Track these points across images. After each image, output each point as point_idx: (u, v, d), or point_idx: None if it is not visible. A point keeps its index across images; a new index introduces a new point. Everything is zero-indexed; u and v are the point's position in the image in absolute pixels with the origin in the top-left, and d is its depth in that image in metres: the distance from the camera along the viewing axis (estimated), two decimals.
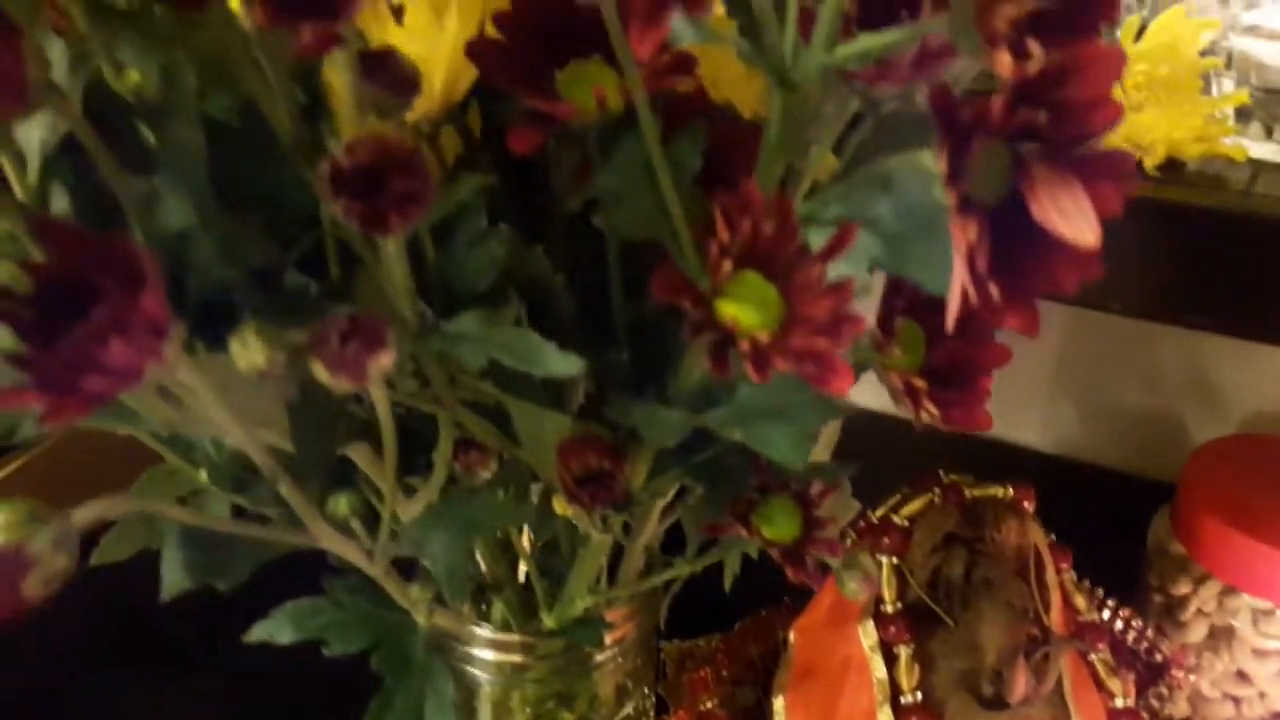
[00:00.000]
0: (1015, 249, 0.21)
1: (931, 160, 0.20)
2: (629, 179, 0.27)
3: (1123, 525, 0.71)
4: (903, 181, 0.24)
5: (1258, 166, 0.50)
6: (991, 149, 0.19)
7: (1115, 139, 0.50)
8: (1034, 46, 0.19)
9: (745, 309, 0.22)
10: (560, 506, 0.31)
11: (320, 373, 0.20)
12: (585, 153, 0.27)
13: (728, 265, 0.21)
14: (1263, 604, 0.61)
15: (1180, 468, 0.63)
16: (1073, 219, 0.19)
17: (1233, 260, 0.49)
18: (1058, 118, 0.19)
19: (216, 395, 0.21)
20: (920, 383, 0.27)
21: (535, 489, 0.32)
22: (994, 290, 0.20)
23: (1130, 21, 0.49)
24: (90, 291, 0.18)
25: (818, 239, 0.25)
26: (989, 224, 0.20)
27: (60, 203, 0.24)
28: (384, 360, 0.20)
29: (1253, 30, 0.48)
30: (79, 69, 0.23)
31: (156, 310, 0.17)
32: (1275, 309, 0.49)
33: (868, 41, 0.22)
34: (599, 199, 0.28)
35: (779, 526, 0.28)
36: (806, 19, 0.24)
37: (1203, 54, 0.49)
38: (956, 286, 0.20)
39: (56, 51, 0.23)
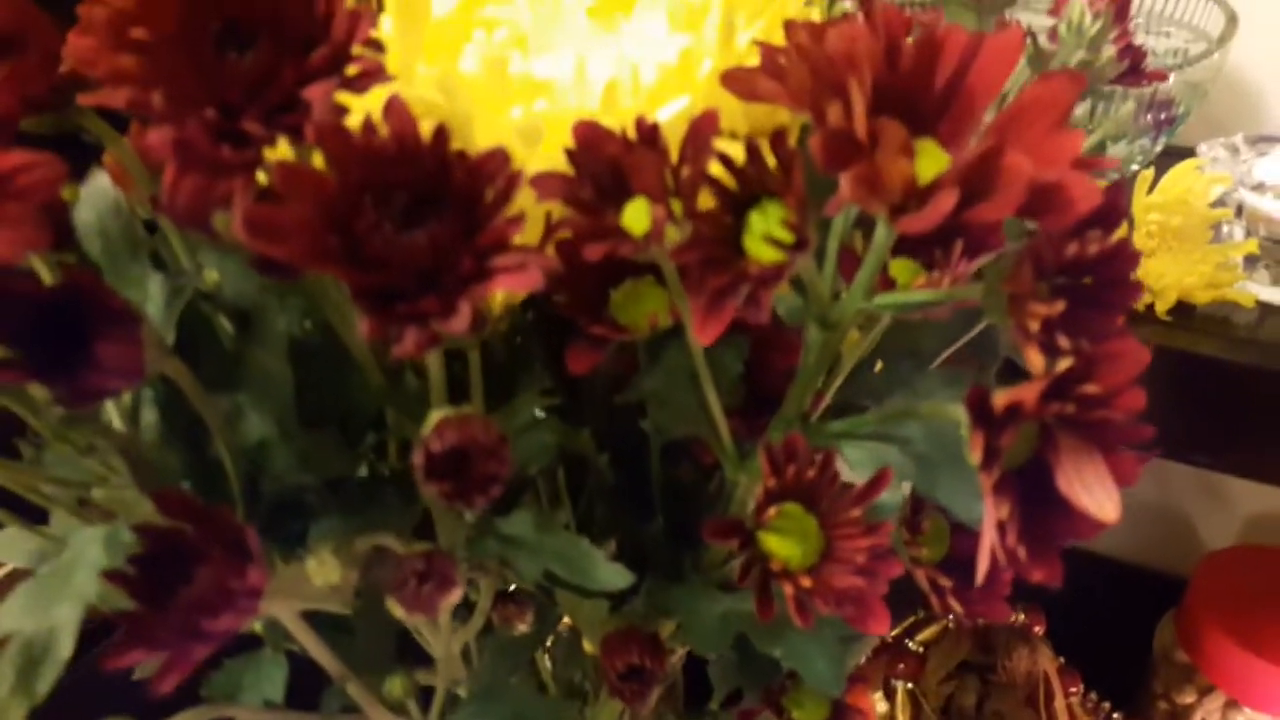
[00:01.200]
0: (1041, 509, 0.22)
1: (960, 413, 0.22)
2: (673, 383, 0.29)
3: (1129, 616, 0.72)
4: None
5: (1265, 310, 0.52)
6: (1023, 429, 0.21)
7: None
8: (1064, 342, 0.21)
9: (787, 542, 0.24)
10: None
11: (397, 610, 0.22)
12: (633, 355, 0.29)
13: (774, 510, 0.23)
14: (1265, 719, 0.62)
15: (1185, 563, 0.64)
16: (1095, 493, 0.21)
17: (1232, 404, 0.50)
18: (1084, 404, 0.21)
19: (292, 614, 0.22)
20: (945, 580, 0.29)
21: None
22: (1021, 553, 0.21)
23: (1144, 175, 0.51)
24: (194, 552, 0.20)
25: (852, 453, 0.27)
26: (1018, 487, 0.22)
27: (149, 416, 0.26)
28: (454, 597, 0.22)
29: (1260, 187, 0.50)
30: (175, 301, 0.24)
31: (259, 581, 0.19)
32: (1269, 451, 0.50)
33: (904, 297, 0.24)
34: (645, 399, 0.29)
35: (810, 712, 0.29)
36: (847, 259, 0.26)
37: (1213, 205, 0.51)
38: (985, 549, 0.21)
39: (155, 286, 0.25)
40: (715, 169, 0.23)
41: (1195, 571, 0.70)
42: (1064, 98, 0.21)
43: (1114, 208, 0.23)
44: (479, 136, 0.26)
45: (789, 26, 0.22)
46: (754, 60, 0.23)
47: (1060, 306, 0.21)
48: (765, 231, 0.22)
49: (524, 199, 0.21)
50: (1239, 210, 0.51)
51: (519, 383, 0.29)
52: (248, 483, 0.26)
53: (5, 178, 0.20)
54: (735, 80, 0.25)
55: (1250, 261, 0.52)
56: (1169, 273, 0.51)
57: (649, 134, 0.24)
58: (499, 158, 0.20)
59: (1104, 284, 0.22)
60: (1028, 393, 0.20)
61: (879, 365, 0.30)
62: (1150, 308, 0.52)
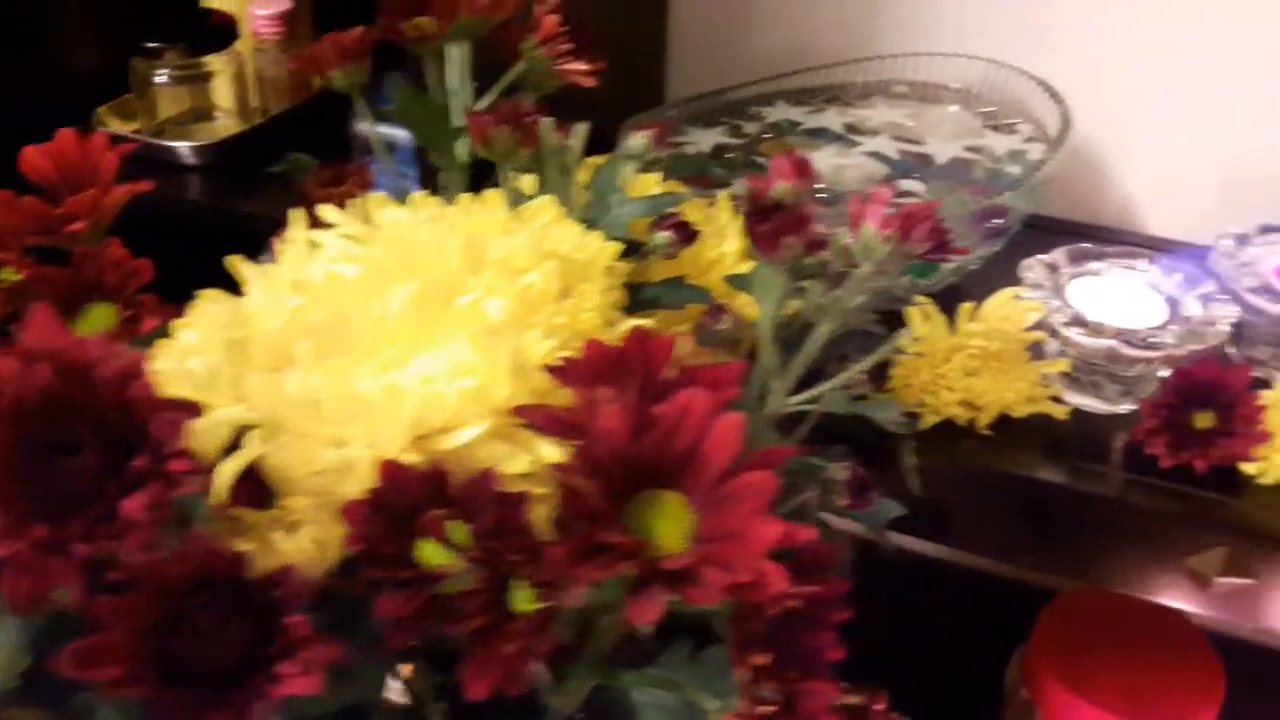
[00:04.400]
0: None
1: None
2: None
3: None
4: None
5: (1079, 418, 0.58)
6: None
7: (954, 400, 0.57)
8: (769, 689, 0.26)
9: None
10: None
11: None
12: None
13: None
14: None
15: None
16: None
17: (1046, 513, 0.56)
18: None
19: None
20: None
21: None
22: None
23: (964, 307, 0.56)
24: None
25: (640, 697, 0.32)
26: None
27: None
28: None
29: (1073, 321, 0.55)
30: None
31: None
32: (1080, 558, 0.56)
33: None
34: None
35: None
36: None
37: (1030, 328, 0.56)
38: None
39: None
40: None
41: (1042, 613, 0.76)
42: (767, 488, 0.25)
43: (823, 557, 0.27)
44: (296, 464, 0.30)
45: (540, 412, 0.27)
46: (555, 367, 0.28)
47: (767, 658, 0.25)
48: (524, 599, 0.26)
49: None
50: (1054, 332, 0.56)
51: None
52: None
53: None
54: (525, 414, 0.29)
55: (1066, 376, 0.58)
56: (990, 390, 0.56)
57: (440, 480, 0.28)
58: (291, 577, 0.24)
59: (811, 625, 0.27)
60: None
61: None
62: (973, 423, 0.57)
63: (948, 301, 0.58)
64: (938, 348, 0.57)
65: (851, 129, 0.70)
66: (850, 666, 0.83)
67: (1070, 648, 0.74)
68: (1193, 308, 0.57)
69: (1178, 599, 0.54)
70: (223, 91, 0.80)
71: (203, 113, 0.80)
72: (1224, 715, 0.73)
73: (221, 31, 0.79)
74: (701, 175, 0.66)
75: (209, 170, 0.76)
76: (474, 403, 0.30)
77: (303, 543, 0.32)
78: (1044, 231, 0.66)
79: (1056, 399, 0.58)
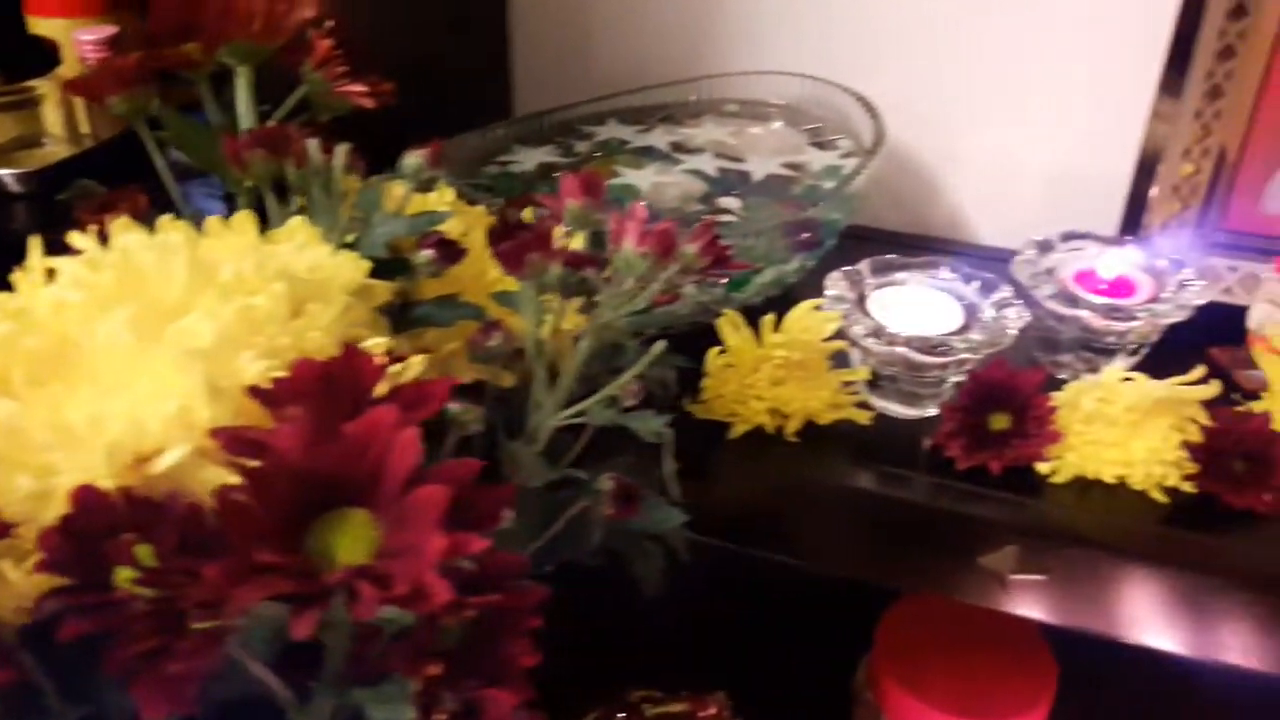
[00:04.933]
0: None
1: None
2: None
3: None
4: None
5: (883, 422, 0.59)
6: None
7: (762, 409, 0.58)
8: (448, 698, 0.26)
9: None
10: None
11: None
12: None
13: None
14: None
15: None
16: None
17: (854, 520, 0.57)
18: None
19: None
20: None
21: None
22: None
23: (766, 320, 0.57)
24: None
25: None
26: None
27: None
28: None
29: (873, 334, 0.56)
30: None
31: None
32: (886, 560, 0.58)
33: None
34: None
35: None
36: None
37: (831, 338, 0.58)
38: None
39: None
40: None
41: (883, 617, 0.78)
42: (439, 501, 0.26)
43: (509, 567, 0.28)
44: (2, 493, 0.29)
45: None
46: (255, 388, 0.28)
47: (439, 669, 0.26)
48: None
49: None
50: (853, 341, 0.58)
51: None
52: None
53: None
54: (217, 435, 0.29)
55: (875, 383, 0.59)
56: (796, 398, 0.58)
57: (134, 504, 0.28)
58: None
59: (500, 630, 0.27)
60: None
61: None
62: (781, 429, 0.58)
63: (784, 312, 0.59)
64: (745, 359, 0.58)
65: (677, 147, 0.71)
66: (704, 672, 0.83)
67: (909, 650, 0.76)
68: (988, 313, 0.59)
69: (978, 598, 0.56)
70: (51, 118, 0.78)
71: (31, 140, 0.78)
72: (1059, 706, 0.76)
73: (46, 56, 0.77)
74: (527, 194, 0.67)
75: (35, 198, 0.75)
76: (178, 426, 0.30)
77: (30, 571, 0.31)
78: (874, 243, 0.68)
79: (864, 405, 0.60)
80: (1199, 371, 0.56)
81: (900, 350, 0.56)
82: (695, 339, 0.59)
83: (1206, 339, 0.66)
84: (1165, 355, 0.61)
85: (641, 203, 0.66)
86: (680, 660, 0.84)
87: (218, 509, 0.25)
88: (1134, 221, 0.69)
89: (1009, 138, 0.78)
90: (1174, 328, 0.62)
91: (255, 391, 0.30)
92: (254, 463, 0.27)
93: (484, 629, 0.27)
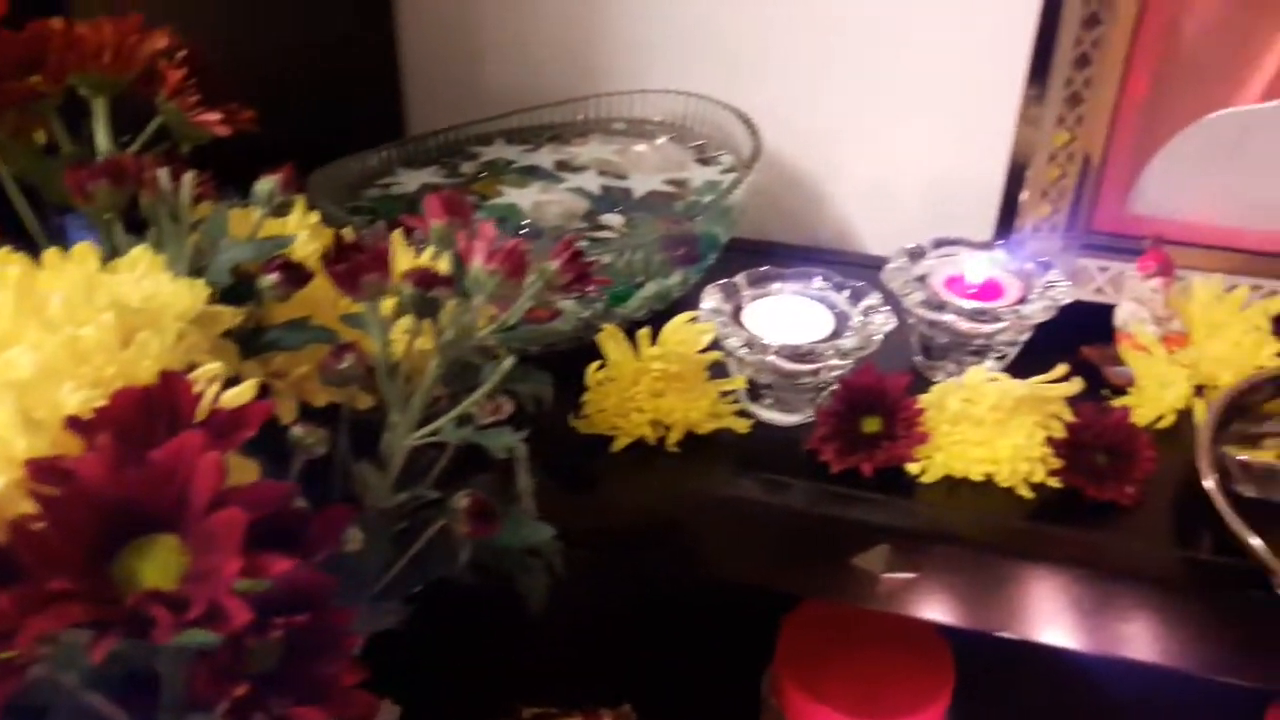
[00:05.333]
0: None
1: None
2: None
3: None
4: None
5: (768, 431, 0.60)
6: None
7: (644, 421, 0.59)
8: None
9: None
10: None
11: None
12: None
13: None
14: None
15: None
16: None
17: (736, 527, 0.58)
18: None
19: None
20: None
21: None
22: None
23: (642, 333, 0.58)
24: None
25: None
26: None
27: None
28: None
29: (749, 345, 0.58)
30: None
31: None
32: (766, 564, 0.59)
33: None
34: None
35: None
36: None
37: (708, 349, 0.59)
38: None
39: None
40: None
41: (784, 623, 0.79)
42: (237, 524, 0.26)
43: (320, 588, 0.28)
44: None
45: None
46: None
47: (245, 689, 0.26)
48: None
49: None
50: (727, 351, 0.59)
51: None
52: None
53: None
54: (28, 466, 0.29)
55: (756, 391, 0.60)
56: (676, 409, 0.59)
57: None
58: None
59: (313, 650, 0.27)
60: None
61: None
62: (663, 441, 0.59)
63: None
64: (625, 373, 0.59)
65: (562, 166, 0.72)
66: (612, 686, 0.83)
67: (810, 654, 0.77)
68: (857, 320, 0.60)
69: (853, 599, 0.57)
70: None
71: None
72: (958, 701, 0.77)
73: None
74: (410, 215, 0.67)
75: None
76: None
77: None
78: (761, 255, 0.69)
79: (745, 414, 0.61)
80: (1061, 369, 0.58)
81: (771, 359, 0.57)
82: (586, 355, 0.60)
83: (1079, 338, 0.69)
84: (1040, 354, 0.62)
85: (524, 221, 0.67)
86: (587, 674, 0.84)
87: (11, 538, 0.25)
88: (1007, 225, 0.71)
89: (887, 148, 0.80)
90: (1049, 327, 0.64)
91: (72, 421, 0.30)
92: (56, 491, 0.27)
93: (300, 649, 0.27)
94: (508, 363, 0.42)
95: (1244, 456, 0.54)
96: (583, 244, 0.47)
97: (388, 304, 0.45)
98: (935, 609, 0.57)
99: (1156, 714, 0.79)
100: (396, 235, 0.53)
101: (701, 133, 0.77)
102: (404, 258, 0.53)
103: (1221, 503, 0.53)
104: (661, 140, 0.76)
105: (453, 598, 0.52)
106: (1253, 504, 0.54)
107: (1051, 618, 0.56)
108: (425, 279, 0.42)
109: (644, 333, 0.58)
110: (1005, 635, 0.56)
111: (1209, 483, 0.54)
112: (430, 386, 0.42)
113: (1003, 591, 0.56)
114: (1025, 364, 0.62)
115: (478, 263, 0.42)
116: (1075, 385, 0.57)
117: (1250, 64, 0.66)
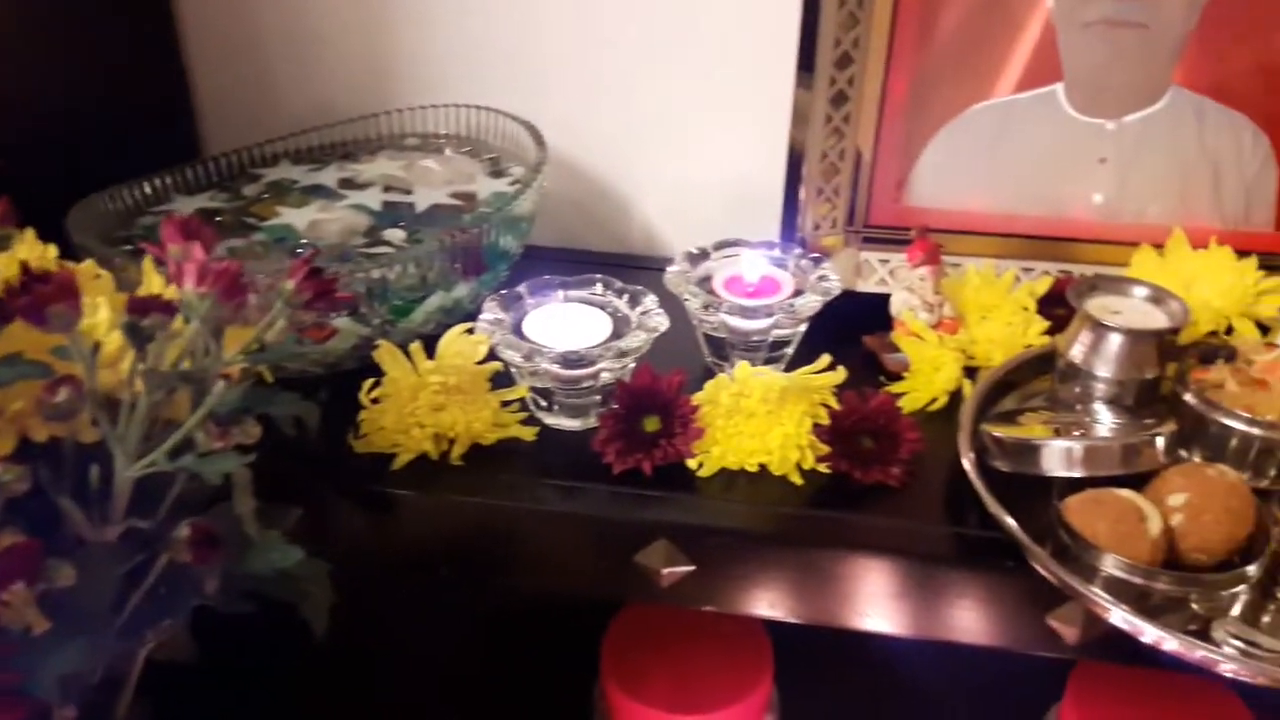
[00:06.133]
0: None
1: None
2: None
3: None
4: None
5: (558, 437, 0.61)
6: None
7: (426, 436, 0.58)
8: None
9: None
10: None
11: None
12: None
13: None
14: None
15: None
16: None
17: (523, 536, 0.59)
18: None
19: None
20: None
21: None
22: None
23: (415, 347, 0.58)
24: None
25: None
26: None
27: None
28: None
29: (518, 349, 0.58)
30: None
31: None
32: (554, 571, 0.59)
33: None
34: None
35: None
36: None
37: (485, 360, 0.59)
38: None
39: None
40: None
41: (609, 628, 0.80)
42: None
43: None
44: None
45: None
46: None
47: None
48: None
49: None
50: (506, 361, 0.59)
51: None
52: None
53: None
54: None
55: (545, 400, 0.61)
56: (459, 422, 0.59)
57: None
58: None
59: None
60: None
61: None
62: (447, 455, 0.59)
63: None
64: (403, 388, 0.58)
65: (346, 184, 0.72)
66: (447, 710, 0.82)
67: (633, 656, 0.77)
68: (635, 323, 0.61)
69: (640, 596, 0.57)
70: None
71: None
72: (784, 689, 0.79)
73: None
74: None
75: None
76: None
77: None
78: (572, 264, 0.69)
79: (534, 421, 0.61)
80: (824, 360, 0.60)
81: (545, 366, 0.57)
82: (380, 373, 0.59)
83: (865, 328, 0.71)
84: (828, 345, 0.64)
85: (302, 240, 0.66)
86: (422, 700, 0.84)
87: None
88: (790, 224, 0.73)
89: (683, 153, 0.82)
90: (837, 319, 0.66)
91: None
92: None
93: None
94: (220, 386, 0.41)
95: (999, 433, 0.56)
96: (358, 260, 0.47)
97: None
98: (716, 600, 0.58)
99: (969, 690, 0.82)
100: (148, 263, 0.52)
101: (496, 146, 0.77)
102: (154, 285, 0.52)
103: (976, 479, 0.55)
104: (452, 154, 0.76)
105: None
106: (1017, 478, 0.56)
107: (829, 599, 0.57)
108: (139, 306, 0.41)
109: (416, 347, 0.58)
110: (782, 619, 0.58)
111: (966, 461, 0.56)
112: (142, 417, 0.41)
113: (780, 577, 0.57)
114: (815, 355, 0.63)
115: (189, 286, 0.42)
116: (839, 374, 0.59)
117: (1003, 58, 0.70)
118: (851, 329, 0.70)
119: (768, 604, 0.58)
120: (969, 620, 0.57)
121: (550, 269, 0.66)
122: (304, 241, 0.65)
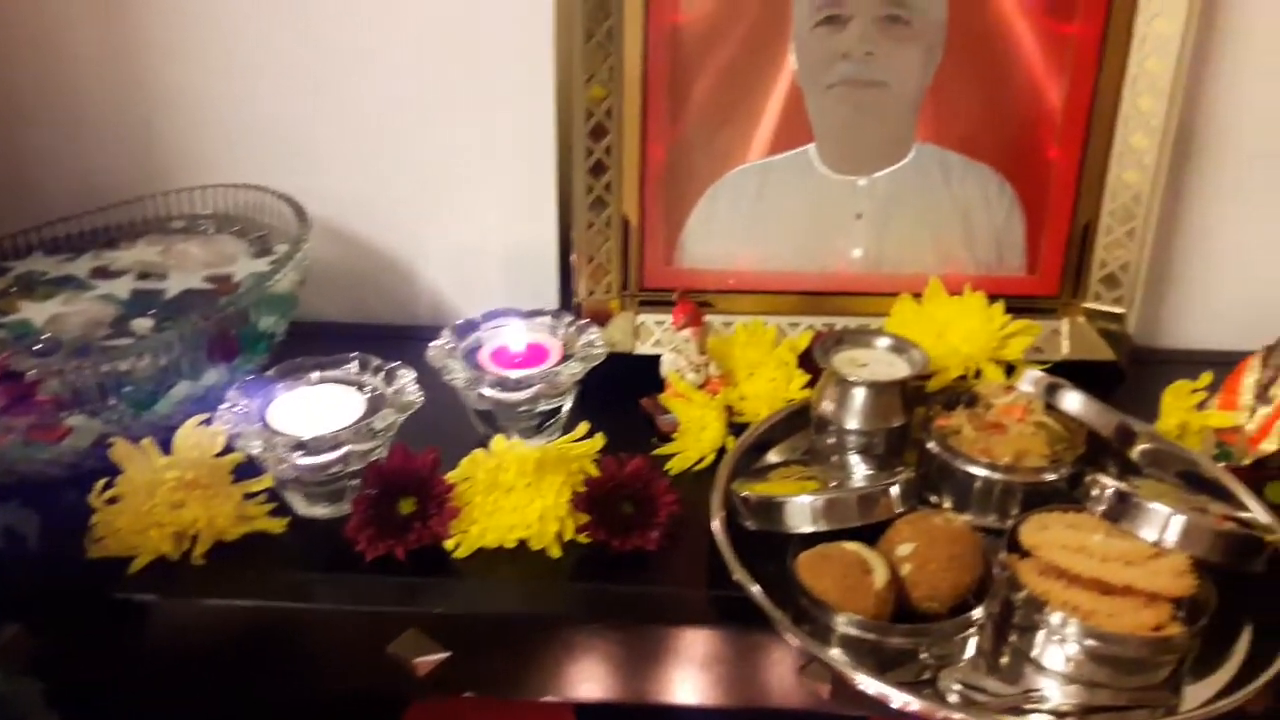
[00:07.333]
0: None
1: None
2: None
3: None
4: None
5: (311, 528, 0.59)
6: None
7: (165, 535, 0.56)
8: None
9: None
10: None
11: None
12: None
13: None
14: None
15: None
16: None
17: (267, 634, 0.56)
18: None
19: None
20: None
21: None
22: None
23: (147, 443, 0.56)
24: None
25: None
26: None
27: None
28: None
29: (257, 438, 0.56)
30: None
31: None
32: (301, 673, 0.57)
33: None
34: None
35: None
36: None
37: (225, 451, 0.57)
38: None
39: None
40: None
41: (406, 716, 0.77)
42: None
43: None
44: None
45: None
46: None
47: None
48: None
49: None
50: (248, 452, 0.57)
51: None
52: None
53: None
54: None
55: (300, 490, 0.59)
56: (200, 518, 0.56)
57: None
58: None
59: None
60: None
61: None
62: (189, 553, 0.56)
63: None
64: (139, 487, 0.56)
65: (98, 273, 0.69)
66: None
67: None
68: (390, 401, 0.60)
69: (400, 687, 0.55)
70: None
71: None
72: None
73: None
74: None
75: None
76: None
77: None
78: (349, 339, 0.67)
79: (285, 510, 0.59)
80: (583, 428, 0.60)
81: (286, 455, 0.55)
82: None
83: (643, 391, 0.71)
84: (606, 410, 0.64)
85: (43, 335, 0.63)
86: None
87: None
88: (567, 290, 0.74)
89: (464, 224, 0.81)
90: (613, 382, 0.66)
91: None
92: None
93: None
94: None
95: (745, 492, 0.57)
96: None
97: None
98: (479, 685, 0.56)
99: None
100: None
101: (264, 224, 0.75)
102: None
103: (723, 540, 0.55)
104: (217, 235, 0.74)
105: None
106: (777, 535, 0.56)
107: (594, 675, 0.56)
108: None
109: (148, 442, 0.56)
110: (550, 700, 0.57)
111: (715, 522, 0.56)
112: None
113: (541, 657, 0.56)
114: (595, 420, 0.62)
115: None
116: (598, 441, 0.59)
117: (756, 121, 0.72)
118: (631, 391, 0.71)
119: (533, 687, 0.56)
120: (732, 682, 0.56)
121: (327, 346, 0.64)
122: (45, 336, 0.62)
